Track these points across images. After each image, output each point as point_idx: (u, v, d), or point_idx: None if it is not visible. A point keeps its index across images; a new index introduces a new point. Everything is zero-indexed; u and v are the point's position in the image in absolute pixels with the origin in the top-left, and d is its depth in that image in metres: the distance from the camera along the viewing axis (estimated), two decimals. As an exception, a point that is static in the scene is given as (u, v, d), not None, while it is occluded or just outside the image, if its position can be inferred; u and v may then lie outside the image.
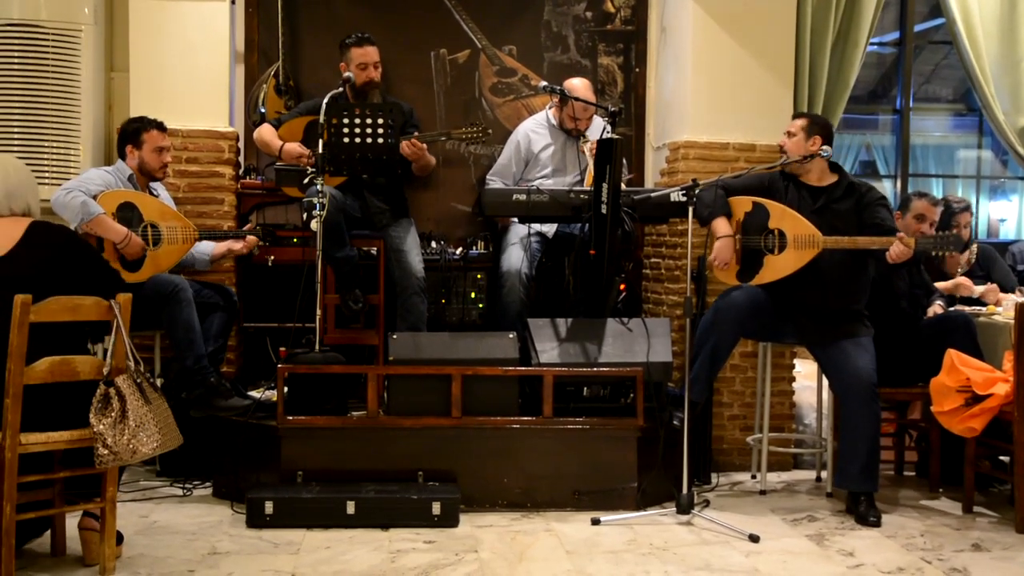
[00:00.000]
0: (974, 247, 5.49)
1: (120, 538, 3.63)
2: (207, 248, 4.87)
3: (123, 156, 4.71)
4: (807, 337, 4.63)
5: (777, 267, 4.52)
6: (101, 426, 3.29)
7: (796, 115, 4.87)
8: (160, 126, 4.71)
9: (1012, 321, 4.25)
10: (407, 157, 5.01)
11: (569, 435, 4.44)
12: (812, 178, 4.65)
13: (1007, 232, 8.11)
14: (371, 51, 5.15)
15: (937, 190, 7.87)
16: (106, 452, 3.29)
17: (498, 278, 5.24)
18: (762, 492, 4.85)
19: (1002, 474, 4.73)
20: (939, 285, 5.15)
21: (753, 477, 5.13)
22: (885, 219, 4.54)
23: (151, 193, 4.76)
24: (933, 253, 4.46)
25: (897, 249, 4.33)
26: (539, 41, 5.91)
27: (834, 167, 4.70)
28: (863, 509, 4.35)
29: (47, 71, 5.13)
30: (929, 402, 4.53)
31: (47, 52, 5.13)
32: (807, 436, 5.51)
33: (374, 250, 5.20)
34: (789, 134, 4.69)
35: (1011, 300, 4.72)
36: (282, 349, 4.67)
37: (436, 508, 4.13)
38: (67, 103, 5.16)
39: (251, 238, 4.88)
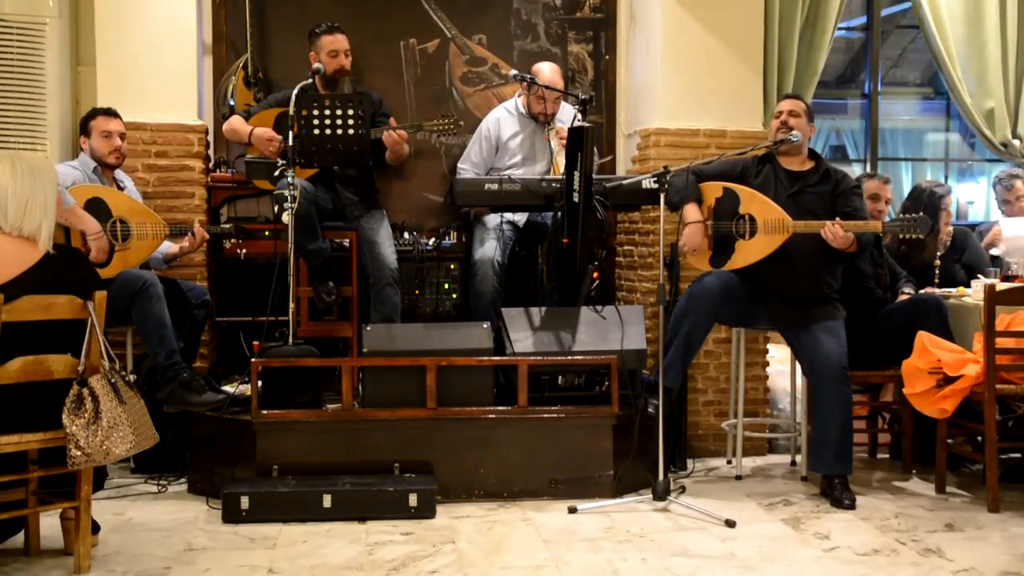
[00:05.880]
0: (950, 230, 5.46)
1: (96, 527, 3.63)
2: (163, 247, 4.82)
3: (82, 149, 4.71)
4: (779, 322, 4.65)
5: (749, 252, 4.53)
6: (74, 427, 3.25)
7: (792, 96, 4.78)
8: (107, 112, 4.68)
9: (982, 303, 4.29)
10: (387, 145, 5.00)
11: (544, 424, 4.45)
12: (793, 163, 4.67)
13: (975, 214, 8.18)
14: (341, 39, 5.13)
15: (906, 173, 7.93)
16: (79, 453, 3.25)
17: (471, 267, 5.24)
18: (737, 477, 4.88)
19: (974, 454, 4.78)
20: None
21: (728, 462, 5.16)
22: (858, 208, 4.58)
23: (118, 186, 4.73)
24: (901, 236, 4.49)
25: (832, 230, 4.34)
26: (509, 30, 5.90)
27: (811, 153, 4.72)
28: (837, 492, 4.38)
29: (11, 65, 5.07)
30: (901, 384, 4.57)
31: (10, 46, 5.06)
32: (781, 421, 5.54)
33: (347, 242, 5.17)
34: (792, 114, 4.61)
35: (981, 282, 4.75)
36: (256, 343, 4.64)
37: (413, 500, 4.12)
38: (32, 98, 5.10)
39: (200, 232, 4.80)
